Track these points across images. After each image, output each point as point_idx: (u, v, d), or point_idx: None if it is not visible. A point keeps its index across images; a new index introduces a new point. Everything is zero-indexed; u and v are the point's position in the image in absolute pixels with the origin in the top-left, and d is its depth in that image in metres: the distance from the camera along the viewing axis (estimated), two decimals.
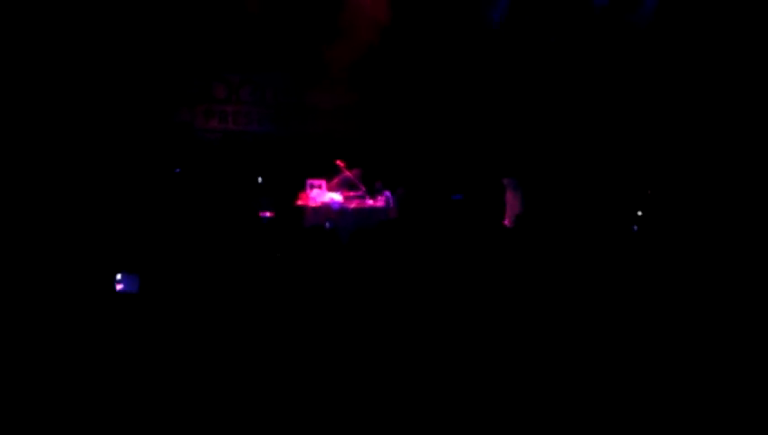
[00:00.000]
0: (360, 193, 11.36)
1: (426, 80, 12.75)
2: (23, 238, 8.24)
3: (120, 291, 6.40)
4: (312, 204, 11.08)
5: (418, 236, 10.79)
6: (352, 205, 11.22)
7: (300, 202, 11.14)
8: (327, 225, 10.51)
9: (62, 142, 11.14)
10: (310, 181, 11.15)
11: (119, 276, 6.42)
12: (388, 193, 11.50)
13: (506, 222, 11.19)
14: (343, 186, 11.41)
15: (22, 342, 5.47)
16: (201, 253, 9.26)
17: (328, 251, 9.93)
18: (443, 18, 12.57)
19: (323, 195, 11.17)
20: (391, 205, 11.42)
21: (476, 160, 12.47)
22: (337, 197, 11.25)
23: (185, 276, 8.20)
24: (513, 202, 11.37)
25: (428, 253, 9.70)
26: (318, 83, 12.63)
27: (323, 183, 11.25)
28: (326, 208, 11.06)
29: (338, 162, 11.43)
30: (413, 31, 12.57)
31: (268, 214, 11.03)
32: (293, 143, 12.56)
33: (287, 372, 5.59)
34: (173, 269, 8.26)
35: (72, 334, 5.80)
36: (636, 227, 11.28)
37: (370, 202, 11.36)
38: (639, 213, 11.50)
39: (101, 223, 9.57)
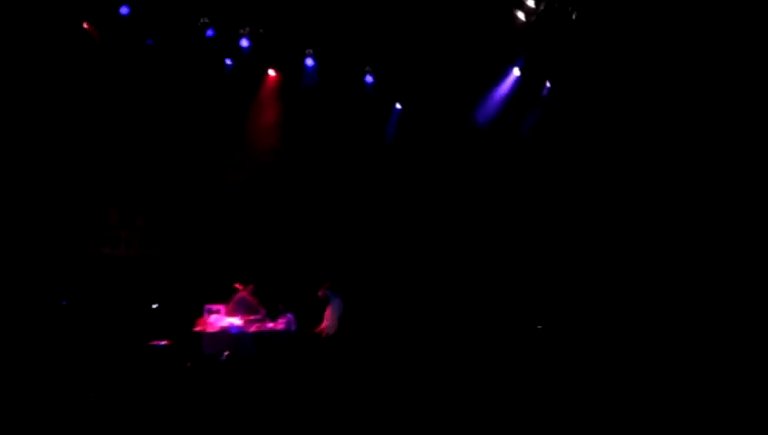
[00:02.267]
0: (259, 316, 11.12)
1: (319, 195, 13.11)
2: None
3: None
4: (210, 329, 10.70)
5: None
6: (252, 328, 10.93)
7: (198, 328, 10.76)
8: (222, 356, 10.20)
9: None
10: (207, 306, 10.83)
11: None
12: (290, 315, 11.28)
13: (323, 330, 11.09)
14: (243, 309, 11.14)
15: None
16: (91, 386, 8.82)
17: (223, 383, 9.67)
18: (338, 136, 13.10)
19: (222, 320, 10.85)
20: (293, 328, 11.19)
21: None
22: (236, 321, 10.95)
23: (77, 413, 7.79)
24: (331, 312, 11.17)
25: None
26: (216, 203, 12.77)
27: (222, 308, 10.96)
28: (225, 334, 10.71)
29: (236, 285, 11.23)
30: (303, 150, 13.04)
31: (164, 342, 10.60)
32: (190, 266, 12.33)
33: None
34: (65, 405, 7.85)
35: None
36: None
37: (271, 325, 11.11)
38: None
39: None
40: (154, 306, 11.29)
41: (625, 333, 10.34)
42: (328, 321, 11.02)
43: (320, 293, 11.17)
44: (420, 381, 9.48)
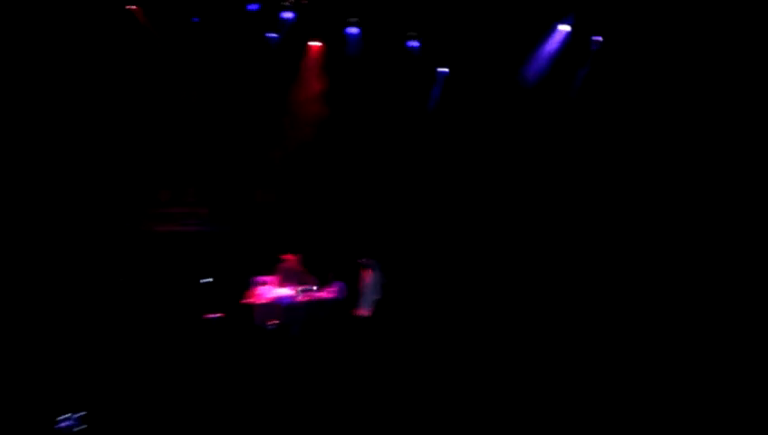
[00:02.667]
0: (310, 286, 11.15)
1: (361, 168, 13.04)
2: None
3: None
4: (260, 301, 10.84)
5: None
6: (302, 298, 10.99)
7: (248, 300, 10.89)
8: (271, 326, 10.29)
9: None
10: (255, 278, 10.94)
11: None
12: (341, 283, 11.29)
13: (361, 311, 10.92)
14: (292, 279, 11.18)
15: None
16: (148, 359, 9.05)
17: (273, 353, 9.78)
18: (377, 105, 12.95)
19: (271, 291, 10.94)
20: (344, 296, 11.18)
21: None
22: (286, 291, 11.03)
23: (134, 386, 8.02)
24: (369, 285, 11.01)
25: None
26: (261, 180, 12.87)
27: (270, 279, 11.04)
28: (275, 304, 10.82)
29: (283, 256, 11.27)
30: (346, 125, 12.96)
31: (217, 315, 10.76)
32: (240, 241, 12.45)
33: None
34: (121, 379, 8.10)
35: None
36: None
37: (320, 294, 11.13)
38: None
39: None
40: (206, 280, 11.44)
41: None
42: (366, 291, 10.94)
43: (360, 262, 11.12)
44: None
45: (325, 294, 11.18)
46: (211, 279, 11.45)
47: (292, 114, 12.96)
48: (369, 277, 10.98)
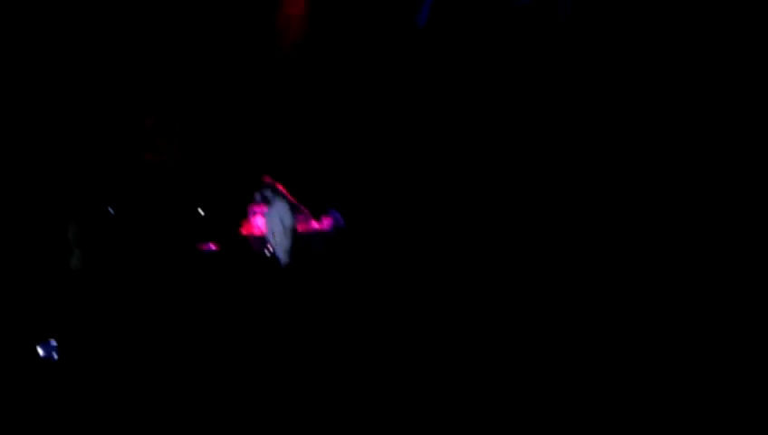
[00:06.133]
0: (303, 216, 11.08)
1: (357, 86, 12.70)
2: None
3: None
4: (256, 232, 10.76)
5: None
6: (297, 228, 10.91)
7: (245, 231, 10.82)
8: (266, 252, 10.26)
9: None
10: (252, 208, 10.83)
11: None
12: (335, 213, 11.23)
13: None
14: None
15: None
16: (141, 294, 9.00)
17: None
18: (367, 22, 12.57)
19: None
20: (340, 225, 11.15)
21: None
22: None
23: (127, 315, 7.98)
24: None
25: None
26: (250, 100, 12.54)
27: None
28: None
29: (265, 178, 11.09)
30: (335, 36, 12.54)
31: (212, 246, 10.70)
32: (233, 170, 12.25)
33: None
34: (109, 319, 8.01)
35: None
36: None
37: (315, 224, 11.08)
38: None
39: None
40: (200, 211, 11.32)
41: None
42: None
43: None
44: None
45: (319, 224, 11.13)
46: (202, 211, 11.35)
47: (275, 33, 12.56)
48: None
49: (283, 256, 10.42)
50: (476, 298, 8.75)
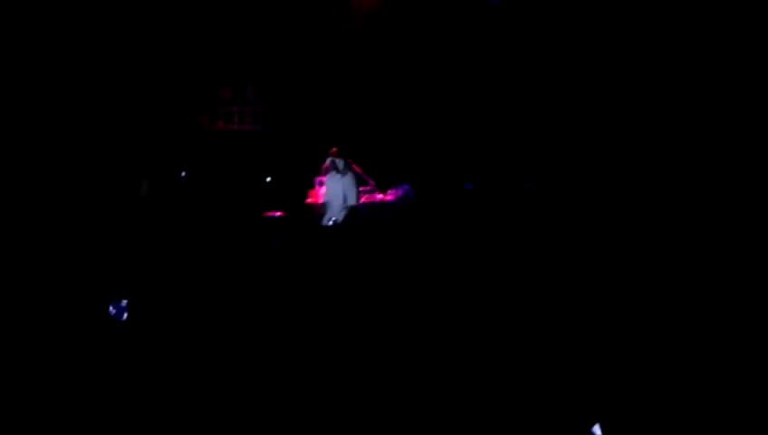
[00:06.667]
0: (369, 187, 11.20)
1: (428, 70, 12.69)
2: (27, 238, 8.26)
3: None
4: (320, 201, 10.94)
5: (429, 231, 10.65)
6: (361, 200, 11.06)
7: (310, 200, 11.03)
8: (330, 222, 10.34)
9: (69, 144, 11.14)
10: (318, 179, 11.01)
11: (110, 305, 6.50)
12: (405, 186, 11.32)
13: None
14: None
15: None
16: (208, 254, 9.24)
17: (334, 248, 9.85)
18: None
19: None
20: (410, 198, 11.14)
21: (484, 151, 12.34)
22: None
23: (191, 278, 8.18)
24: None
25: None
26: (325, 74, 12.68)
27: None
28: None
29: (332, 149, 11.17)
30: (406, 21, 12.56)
31: (278, 213, 10.92)
32: (302, 140, 12.45)
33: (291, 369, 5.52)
34: (179, 272, 8.24)
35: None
36: None
37: (380, 196, 11.19)
38: None
39: (109, 227, 9.58)
40: (268, 179, 11.56)
41: None
42: None
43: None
44: None
45: (384, 196, 11.21)
46: (270, 178, 11.58)
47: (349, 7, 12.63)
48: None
49: (341, 223, 10.57)
50: (538, 274, 8.70)
